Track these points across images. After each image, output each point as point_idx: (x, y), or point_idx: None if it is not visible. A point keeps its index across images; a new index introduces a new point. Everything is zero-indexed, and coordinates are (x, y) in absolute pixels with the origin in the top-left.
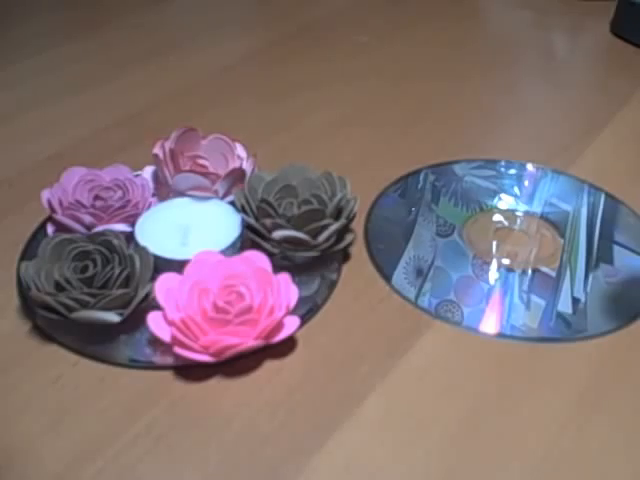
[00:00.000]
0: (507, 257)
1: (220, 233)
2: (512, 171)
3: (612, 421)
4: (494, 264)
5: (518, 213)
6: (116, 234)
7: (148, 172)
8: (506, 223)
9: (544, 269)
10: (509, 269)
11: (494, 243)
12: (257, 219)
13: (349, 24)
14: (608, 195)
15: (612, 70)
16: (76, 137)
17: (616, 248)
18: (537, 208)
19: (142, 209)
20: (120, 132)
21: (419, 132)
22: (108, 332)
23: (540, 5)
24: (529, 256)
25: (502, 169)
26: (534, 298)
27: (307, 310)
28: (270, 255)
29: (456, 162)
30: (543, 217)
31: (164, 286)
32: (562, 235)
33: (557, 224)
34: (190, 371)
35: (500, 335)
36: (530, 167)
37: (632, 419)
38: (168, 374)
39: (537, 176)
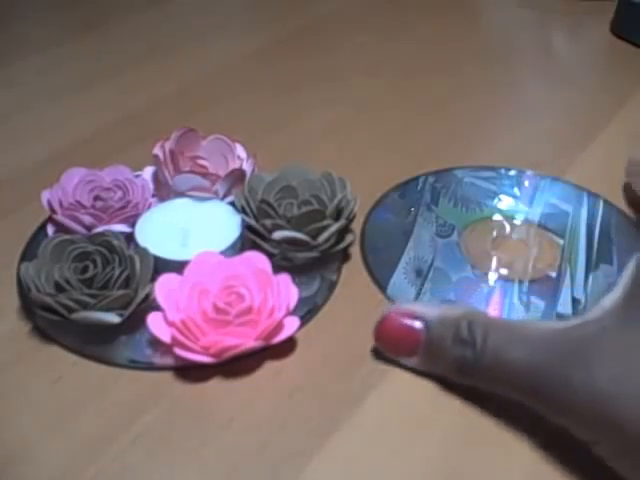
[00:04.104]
0: (505, 267)
1: (220, 234)
2: (512, 172)
3: None
4: (492, 275)
5: (516, 221)
6: (116, 235)
7: (148, 173)
8: (504, 231)
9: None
10: (507, 279)
11: (492, 254)
12: (257, 220)
13: (349, 23)
14: (608, 197)
15: (612, 70)
16: (76, 137)
17: (616, 248)
18: (537, 209)
19: (142, 210)
20: (120, 132)
21: (419, 132)
22: (108, 333)
23: (540, 4)
24: (527, 266)
25: (502, 170)
26: (533, 299)
27: (307, 311)
28: (270, 256)
29: (456, 168)
30: (542, 221)
31: (164, 287)
32: (562, 236)
33: (556, 225)
34: (190, 372)
35: None
36: (530, 170)
37: None
38: (168, 375)
39: (537, 178)
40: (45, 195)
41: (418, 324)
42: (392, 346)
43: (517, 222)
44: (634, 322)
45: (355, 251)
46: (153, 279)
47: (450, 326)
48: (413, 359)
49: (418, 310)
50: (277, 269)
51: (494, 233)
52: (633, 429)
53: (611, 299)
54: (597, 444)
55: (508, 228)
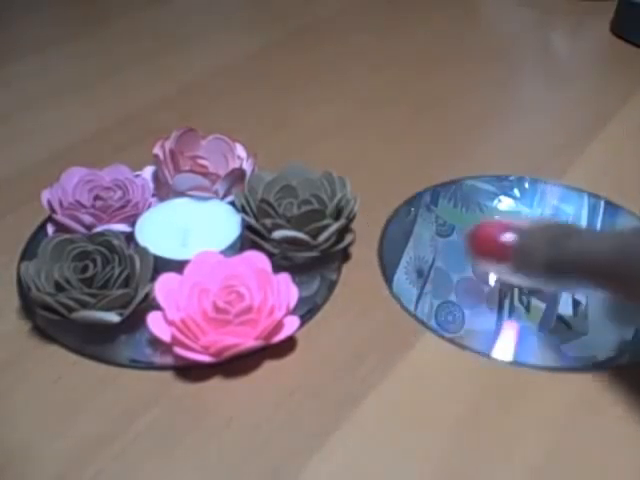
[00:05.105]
0: None
1: (220, 233)
2: (512, 177)
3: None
4: (493, 276)
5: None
6: (116, 234)
7: (148, 172)
8: None
9: None
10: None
11: None
12: (257, 219)
13: (349, 23)
14: (608, 197)
15: (612, 70)
16: (76, 137)
17: None
18: (537, 210)
19: (142, 209)
20: (120, 132)
21: (419, 131)
22: (108, 332)
23: (540, 4)
24: None
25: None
26: (534, 301)
27: (307, 310)
28: (270, 255)
29: (457, 180)
30: None
31: (164, 286)
32: None
33: None
34: (190, 371)
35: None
36: (530, 170)
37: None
38: (168, 374)
39: (537, 179)
40: (45, 195)
41: (510, 231)
42: (485, 250)
43: None
44: None
45: (355, 250)
46: (153, 278)
47: (543, 230)
48: (504, 267)
49: (509, 221)
50: (277, 268)
51: None
52: None
53: None
54: None
55: None
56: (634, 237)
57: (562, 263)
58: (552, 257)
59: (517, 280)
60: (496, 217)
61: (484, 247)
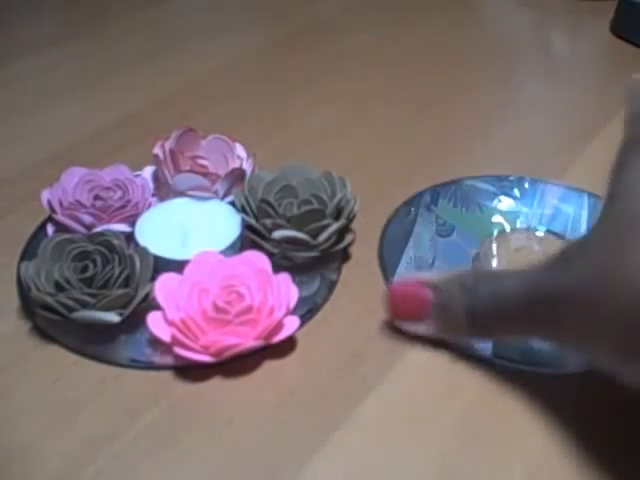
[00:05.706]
0: (507, 265)
1: (220, 233)
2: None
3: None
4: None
5: (517, 223)
6: (116, 234)
7: (148, 172)
8: (504, 232)
9: None
10: None
11: (493, 254)
12: (257, 219)
13: (349, 23)
14: None
15: (612, 70)
16: (76, 137)
17: None
18: (537, 210)
19: (142, 209)
20: (120, 132)
21: (419, 131)
22: (108, 332)
23: (540, 4)
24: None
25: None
26: None
27: (307, 310)
28: (270, 255)
29: (461, 179)
30: (543, 222)
31: (164, 286)
32: (562, 237)
33: (557, 227)
34: (190, 371)
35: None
36: (530, 170)
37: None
38: (168, 374)
39: (537, 179)
40: (45, 195)
41: (425, 288)
42: (404, 312)
43: (517, 224)
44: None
45: (355, 250)
46: (153, 278)
47: (456, 279)
48: (427, 325)
49: (422, 277)
50: (277, 268)
51: (494, 234)
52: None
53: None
54: (601, 343)
55: (508, 229)
56: (539, 273)
57: (481, 312)
58: (470, 306)
59: (449, 337)
60: (410, 274)
61: (402, 308)
